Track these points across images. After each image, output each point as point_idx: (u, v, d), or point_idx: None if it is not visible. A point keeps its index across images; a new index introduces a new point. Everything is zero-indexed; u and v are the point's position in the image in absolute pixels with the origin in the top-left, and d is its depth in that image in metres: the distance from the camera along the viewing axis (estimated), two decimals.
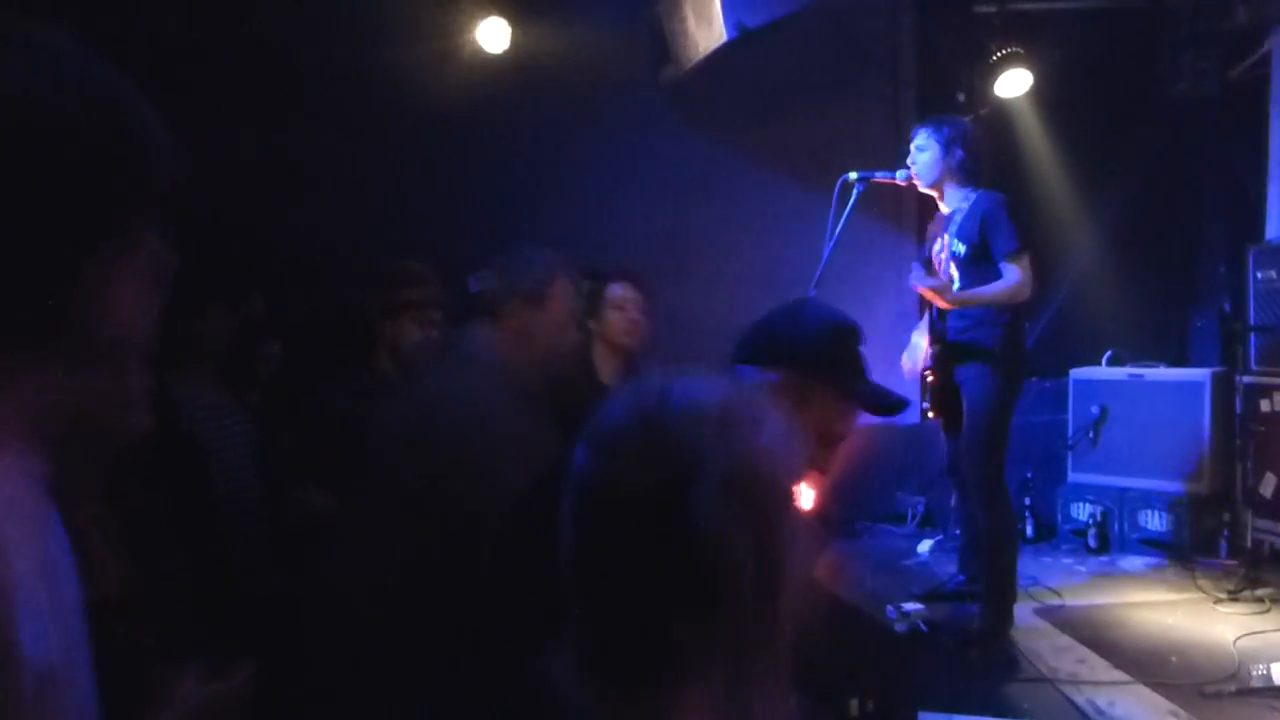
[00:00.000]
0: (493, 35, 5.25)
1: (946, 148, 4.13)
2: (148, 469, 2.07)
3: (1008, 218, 4.02)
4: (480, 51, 5.29)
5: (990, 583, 4.19)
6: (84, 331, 0.80)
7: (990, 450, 4.14)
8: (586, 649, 0.95)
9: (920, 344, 4.33)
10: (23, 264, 0.76)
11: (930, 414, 4.32)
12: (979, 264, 4.09)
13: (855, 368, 1.92)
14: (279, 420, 3.84)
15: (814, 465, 1.85)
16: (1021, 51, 5.21)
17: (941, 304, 4.06)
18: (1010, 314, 4.11)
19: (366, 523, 2.34)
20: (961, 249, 4.11)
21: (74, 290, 0.79)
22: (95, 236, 0.81)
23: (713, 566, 0.88)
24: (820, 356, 1.86)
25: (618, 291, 3.86)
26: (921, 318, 4.27)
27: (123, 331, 0.84)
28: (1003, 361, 4.09)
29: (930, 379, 4.23)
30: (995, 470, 4.19)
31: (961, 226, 4.13)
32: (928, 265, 4.04)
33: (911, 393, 4.37)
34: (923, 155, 4.17)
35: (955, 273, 4.14)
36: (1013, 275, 3.99)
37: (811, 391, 1.80)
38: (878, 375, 4.88)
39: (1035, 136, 5.83)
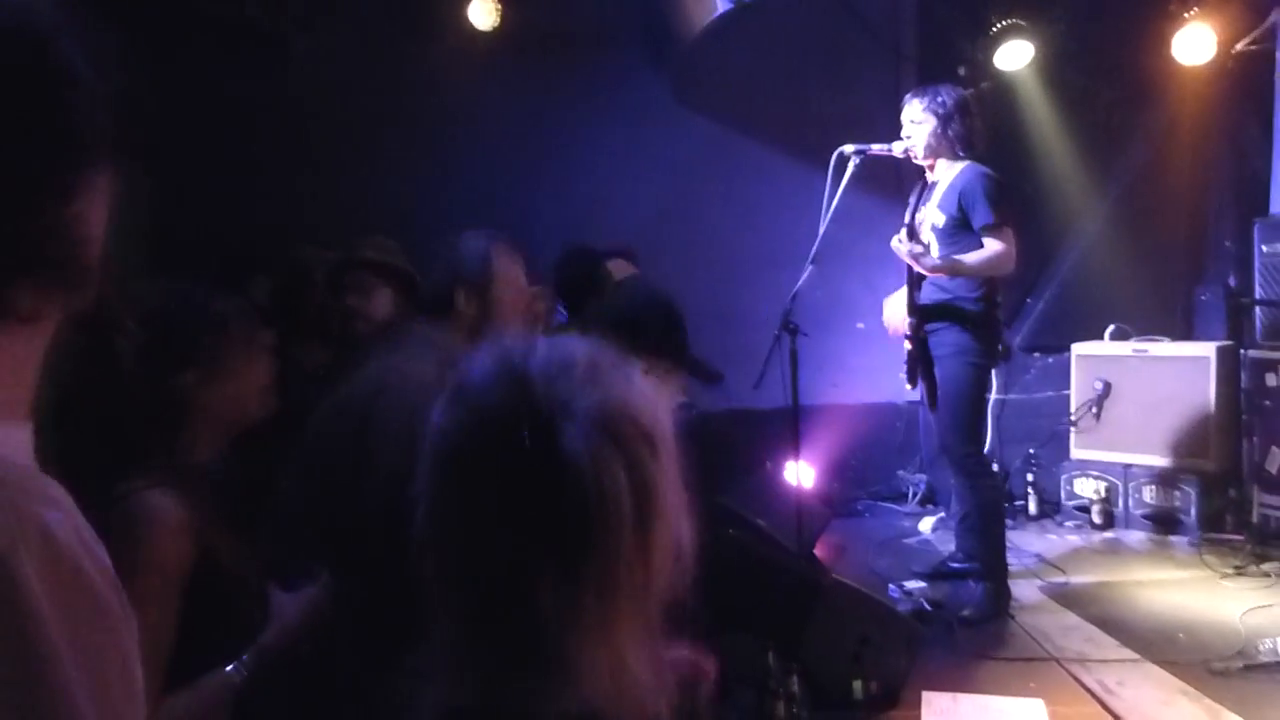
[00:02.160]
0: (482, 12, 5.17)
1: (944, 121, 4.09)
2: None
3: (987, 191, 3.98)
4: (470, 29, 5.22)
5: (984, 559, 4.17)
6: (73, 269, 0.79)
7: (968, 426, 4.13)
8: (456, 633, 0.90)
9: (897, 304, 4.29)
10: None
11: (908, 385, 4.29)
12: (957, 236, 4.07)
13: (683, 341, 2.16)
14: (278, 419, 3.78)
15: None
16: (1022, 23, 5.14)
17: (920, 269, 4.02)
18: (985, 289, 4.09)
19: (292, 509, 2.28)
20: (941, 220, 4.09)
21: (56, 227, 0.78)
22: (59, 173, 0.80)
23: (589, 502, 0.84)
24: (655, 333, 2.08)
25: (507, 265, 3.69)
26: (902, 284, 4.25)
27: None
28: (976, 336, 4.06)
29: (908, 348, 4.21)
30: (975, 446, 4.19)
31: (943, 198, 4.12)
32: (911, 231, 3.99)
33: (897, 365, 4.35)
34: (920, 129, 4.13)
35: (934, 243, 4.10)
36: (994, 247, 3.97)
37: (651, 365, 1.89)
38: (879, 350, 4.83)
39: (1037, 109, 5.76)
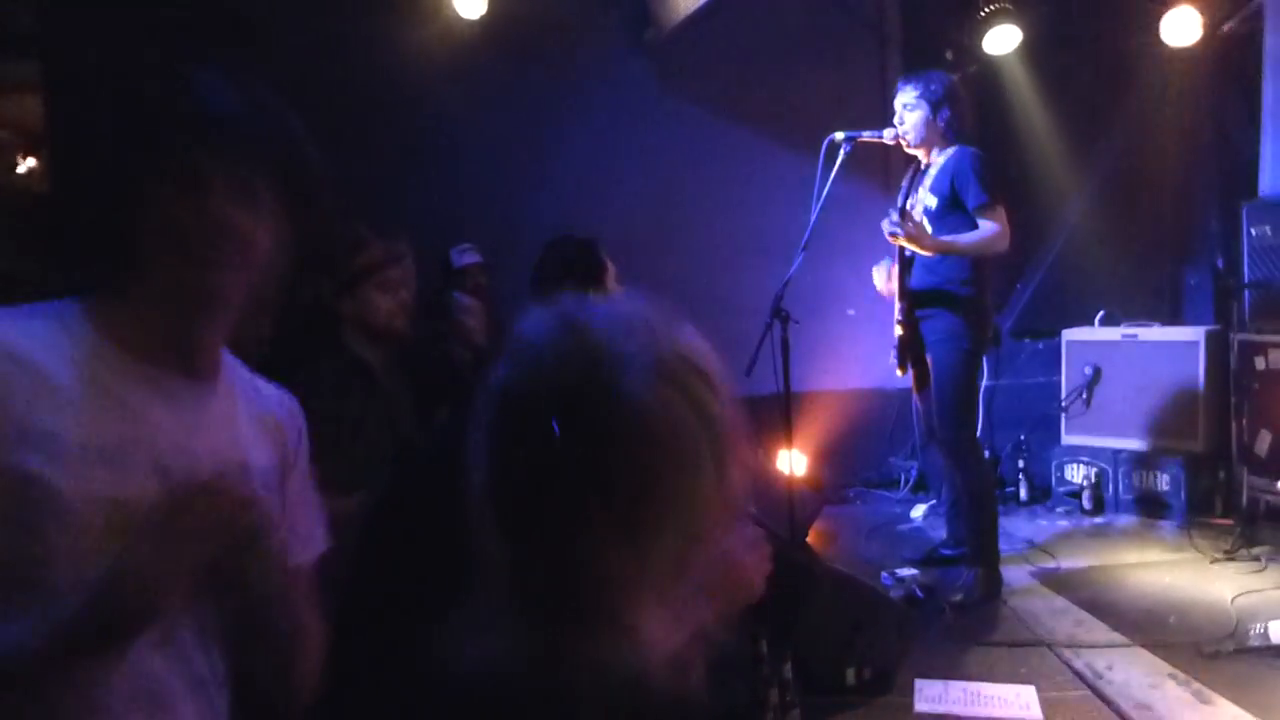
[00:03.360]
0: (469, 0, 5.13)
1: (935, 108, 4.10)
2: None
3: (979, 171, 4.00)
4: (456, 17, 5.18)
5: (975, 544, 4.18)
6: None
7: (960, 412, 4.14)
8: (515, 587, 0.88)
9: (889, 268, 4.30)
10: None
11: (898, 371, 4.29)
12: (950, 217, 4.07)
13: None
14: None
15: None
16: (1009, 7, 5.11)
17: (918, 249, 4.02)
18: (975, 274, 4.09)
19: None
20: (933, 202, 4.09)
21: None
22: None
23: (665, 441, 0.84)
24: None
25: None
26: (894, 263, 4.25)
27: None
28: (967, 322, 4.07)
29: (899, 333, 4.21)
30: (967, 431, 4.20)
31: (935, 181, 4.12)
32: (903, 216, 3.99)
33: (888, 351, 4.35)
34: (911, 115, 4.13)
35: (927, 226, 4.10)
36: (988, 227, 3.98)
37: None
38: (869, 337, 4.80)
39: (1025, 93, 5.76)
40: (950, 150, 4.11)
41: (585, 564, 0.85)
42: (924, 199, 4.15)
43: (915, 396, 4.48)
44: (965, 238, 4.01)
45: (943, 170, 4.10)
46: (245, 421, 1.32)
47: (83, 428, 1.11)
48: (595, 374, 0.84)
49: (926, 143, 4.16)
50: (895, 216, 3.99)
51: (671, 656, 0.90)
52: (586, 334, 0.87)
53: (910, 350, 4.22)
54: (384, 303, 2.93)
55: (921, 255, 4.10)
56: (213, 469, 1.14)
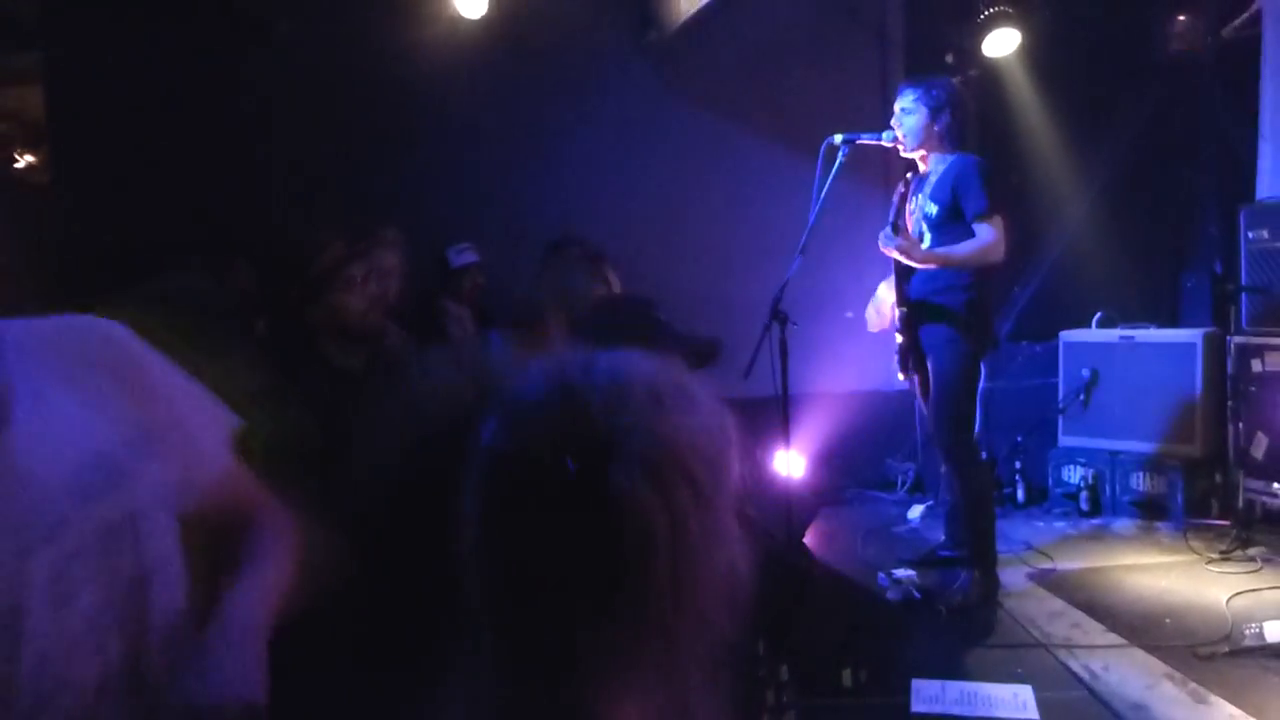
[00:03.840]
0: (471, 1, 5.14)
1: (934, 113, 4.10)
2: None
3: (980, 179, 4.00)
4: (458, 16, 5.19)
5: (973, 547, 4.19)
6: None
7: (958, 416, 4.15)
8: (498, 653, 0.86)
9: (887, 298, 4.31)
10: None
11: (900, 376, 4.31)
12: (950, 225, 4.08)
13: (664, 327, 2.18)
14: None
15: None
16: (1010, 10, 5.14)
17: (910, 262, 4.03)
18: (975, 279, 4.09)
19: None
20: (933, 210, 4.10)
21: None
22: None
23: (629, 546, 0.80)
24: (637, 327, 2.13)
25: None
26: (890, 276, 4.26)
27: None
28: (967, 326, 4.08)
29: (899, 340, 4.22)
30: (965, 435, 4.21)
31: (935, 188, 4.12)
32: (896, 228, 4.00)
33: (886, 353, 4.36)
34: (910, 119, 4.14)
35: (927, 233, 4.11)
36: (985, 235, 3.98)
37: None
38: (868, 339, 4.82)
39: (1025, 97, 5.77)
40: (951, 157, 4.11)
41: (558, 648, 0.83)
42: (924, 206, 4.15)
43: (919, 400, 4.49)
44: (959, 249, 4.00)
45: (944, 177, 4.10)
46: None
47: None
48: (582, 459, 0.80)
49: (924, 147, 4.16)
50: (889, 230, 3.99)
51: None
52: (583, 406, 0.83)
53: (912, 356, 4.23)
54: (354, 302, 2.79)
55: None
56: None
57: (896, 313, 4.21)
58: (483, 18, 5.21)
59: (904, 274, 4.17)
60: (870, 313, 4.42)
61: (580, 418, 0.82)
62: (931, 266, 4.07)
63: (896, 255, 4.02)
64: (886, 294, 4.34)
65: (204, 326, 1.66)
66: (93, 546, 0.99)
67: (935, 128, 4.11)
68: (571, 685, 0.84)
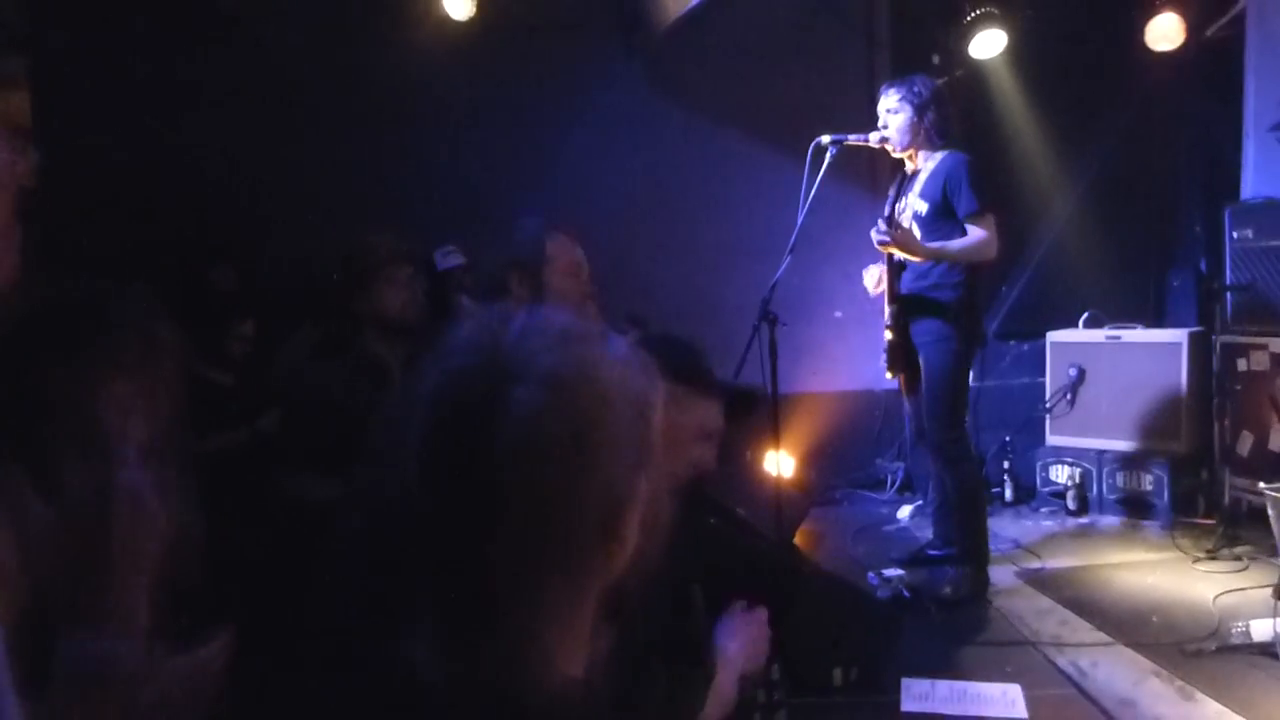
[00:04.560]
0: (458, 2, 5.13)
1: (920, 111, 4.13)
2: None
3: (971, 178, 4.03)
4: (445, 18, 5.18)
5: (963, 545, 4.22)
6: None
7: (950, 413, 4.17)
8: (437, 594, 0.90)
9: (880, 271, 4.31)
10: None
11: (888, 374, 4.32)
12: (940, 223, 4.10)
13: (708, 372, 2.10)
14: (258, 404, 3.76)
15: (701, 466, 1.98)
16: (996, 11, 5.15)
17: (905, 255, 4.05)
18: (966, 277, 4.12)
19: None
20: (924, 207, 4.12)
21: None
22: None
23: (525, 461, 0.84)
24: (683, 366, 2.01)
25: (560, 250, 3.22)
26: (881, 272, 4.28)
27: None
28: (958, 324, 4.10)
29: (889, 337, 4.23)
30: (957, 432, 4.23)
31: (925, 186, 4.14)
32: (891, 223, 4.02)
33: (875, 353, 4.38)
34: (896, 118, 4.16)
35: (917, 231, 4.13)
36: (978, 233, 4.02)
37: (684, 398, 1.93)
38: (857, 339, 4.79)
39: (1010, 97, 5.79)
40: (940, 155, 4.13)
41: (492, 578, 0.86)
42: (914, 204, 4.17)
43: (905, 399, 4.51)
44: (955, 244, 4.04)
45: (933, 175, 4.12)
46: None
47: None
48: (492, 387, 0.86)
49: (912, 146, 4.19)
50: (883, 225, 4.01)
51: (584, 673, 0.91)
52: (496, 347, 0.89)
53: (901, 353, 4.25)
54: (395, 296, 3.05)
55: (911, 260, 4.13)
56: None
57: (887, 309, 4.23)
58: (470, 18, 5.20)
59: (895, 271, 4.18)
60: (867, 278, 4.40)
61: (493, 353, 0.88)
62: (921, 262, 4.09)
63: (893, 249, 4.04)
64: (879, 269, 4.35)
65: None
66: None
67: (922, 125, 4.14)
68: (499, 607, 0.87)
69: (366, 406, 2.59)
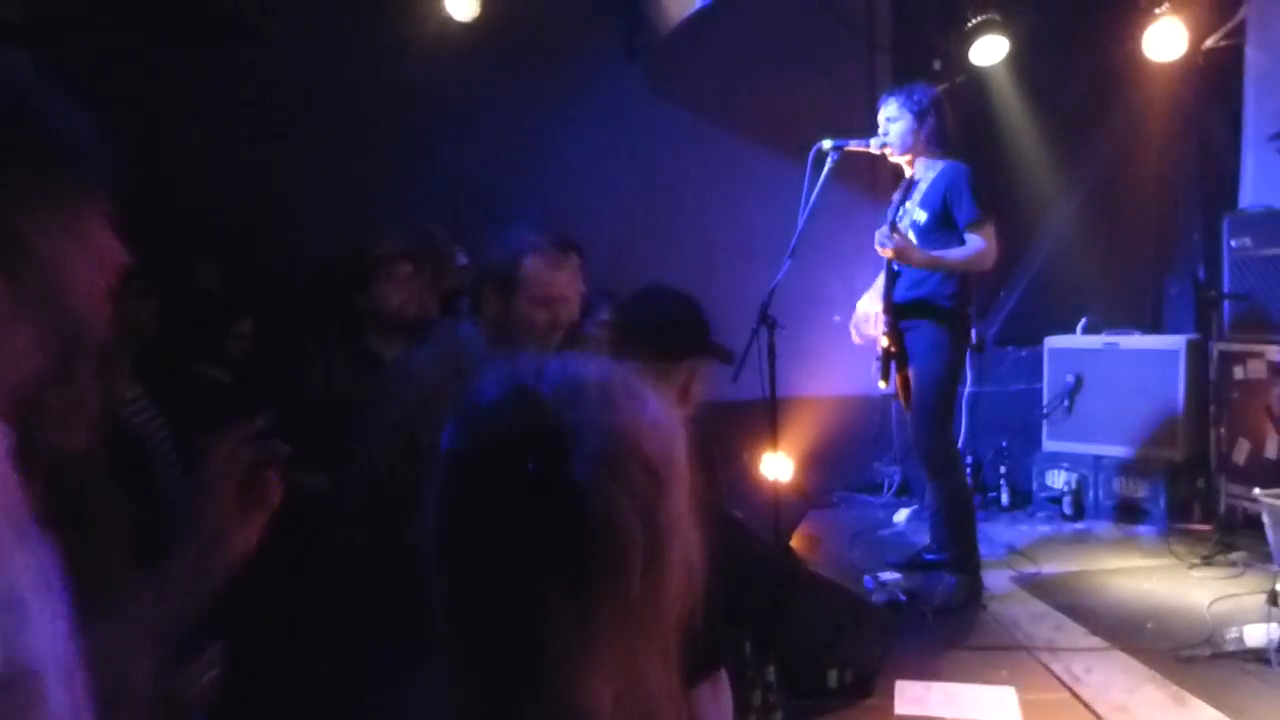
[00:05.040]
0: (461, 3, 5.15)
1: (919, 118, 4.15)
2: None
3: (971, 187, 4.06)
4: (449, 19, 5.20)
5: (955, 552, 4.24)
6: (33, 302, 0.87)
7: (941, 422, 4.20)
8: (458, 657, 0.88)
9: (869, 310, 4.34)
10: None
11: (881, 383, 4.33)
12: (939, 232, 4.13)
13: (703, 333, 2.25)
14: (257, 401, 3.77)
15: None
16: (997, 18, 5.17)
17: (905, 263, 4.06)
18: (960, 287, 4.15)
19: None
20: (923, 216, 4.14)
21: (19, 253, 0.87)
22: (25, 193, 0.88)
23: (598, 534, 0.82)
24: (677, 337, 2.18)
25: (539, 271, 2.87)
26: (874, 287, 4.30)
27: (73, 315, 0.91)
28: (950, 333, 4.13)
29: (884, 345, 4.25)
30: (945, 440, 4.26)
31: (926, 195, 4.17)
32: (894, 227, 4.05)
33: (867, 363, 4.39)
34: (895, 125, 4.19)
35: (914, 240, 4.14)
36: (977, 243, 4.04)
37: (670, 368, 2.08)
38: (854, 346, 4.80)
39: (1011, 104, 5.81)
40: (941, 165, 4.16)
41: (531, 638, 0.85)
42: (913, 213, 4.19)
43: (901, 405, 4.53)
44: (954, 253, 4.06)
45: (934, 185, 4.14)
46: None
47: None
48: (541, 454, 0.83)
49: (910, 152, 4.21)
50: (887, 230, 4.03)
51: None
52: (538, 407, 0.86)
53: (895, 361, 4.27)
54: (394, 293, 3.05)
55: (908, 269, 4.14)
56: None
57: (881, 319, 4.25)
58: (474, 19, 5.21)
59: (891, 279, 4.21)
60: (852, 329, 4.46)
61: (535, 416, 0.85)
62: (919, 271, 4.11)
63: (892, 255, 4.05)
64: (868, 306, 4.37)
65: None
66: None
67: (921, 132, 4.16)
68: (545, 677, 0.85)
69: (361, 402, 2.60)
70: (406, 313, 3.09)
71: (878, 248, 4.07)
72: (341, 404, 2.70)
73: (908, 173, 4.27)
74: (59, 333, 0.89)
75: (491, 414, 0.87)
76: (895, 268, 4.17)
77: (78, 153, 0.96)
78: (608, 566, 0.83)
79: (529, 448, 0.83)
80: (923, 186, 4.19)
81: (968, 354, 4.35)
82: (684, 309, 2.27)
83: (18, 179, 0.87)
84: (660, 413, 0.91)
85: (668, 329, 2.16)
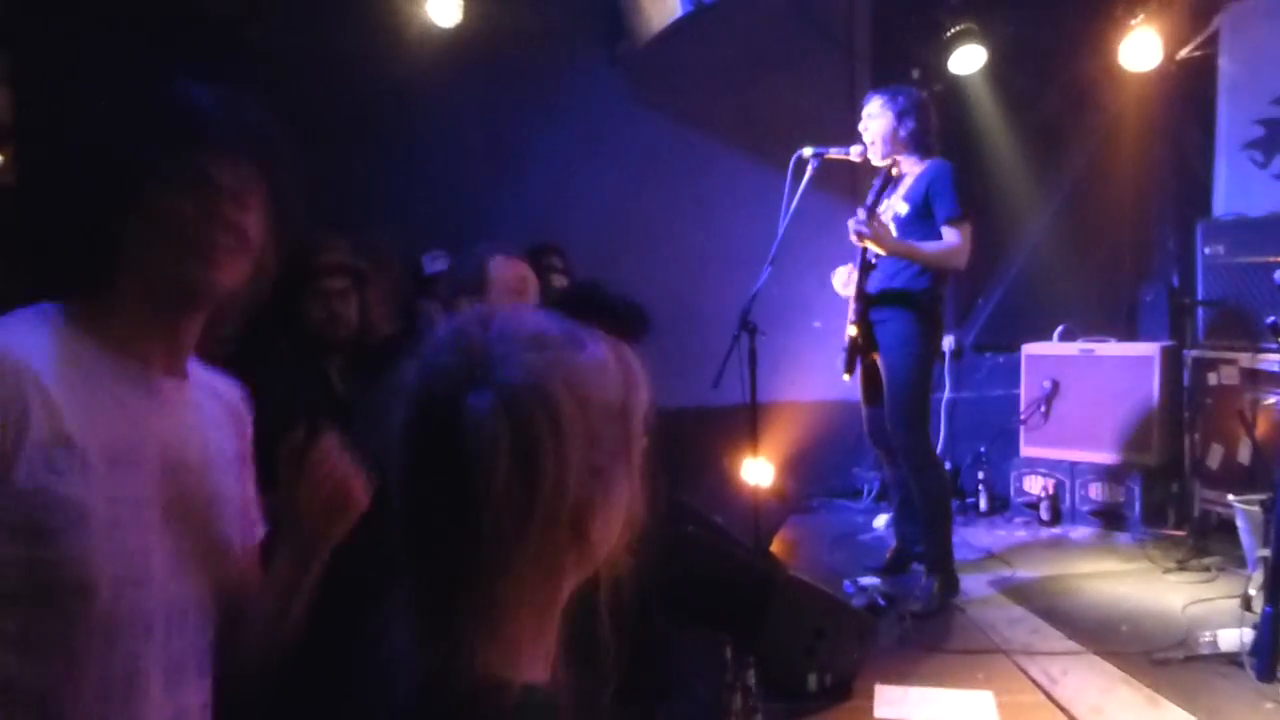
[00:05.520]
0: (444, 9, 5.15)
1: (899, 118, 4.20)
2: None
3: (953, 184, 4.10)
4: (431, 26, 5.20)
5: (931, 550, 4.26)
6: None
7: (914, 417, 4.21)
8: (416, 591, 0.93)
9: (850, 270, 4.33)
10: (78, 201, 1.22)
11: (845, 375, 4.34)
12: (918, 225, 4.16)
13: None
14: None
15: None
16: (975, 28, 5.23)
17: (878, 249, 4.09)
18: (933, 284, 4.18)
19: None
20: (904, 209, 4.18)
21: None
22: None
23: (472, 471, 0.86)
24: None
25: (501, 269, 3.11)
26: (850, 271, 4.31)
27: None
28: (922, 329, 4.15)
29: (851, 333, 4.26)
30: (920, 437, 4.26)
31: (910, 189, 4.22)
32: (871, 216, 4.06)
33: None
34: (875, 122, 4.24)
35: (894, 230, 4.18)
36: (952, 238, 4.07)
37: None
38: (835, 349, 4.80)
39: (988, 112, 5.87)
40: (926, 162, 4.20)
41: (463, 571, 0.90)
42: (896, 205, 4.24)
43: (863, 406, 4.53)
44: (927, 246, 4.09)
45: (919, 180, 4.18)
46: (216, 412, 1.40)
47: (96, 436, 1.16)
48: (456, 385, 0.89)
49: (891, 152, 4.24)
50: (863, 215, 4.05)
51: (548, 675, 0.95)
52: (469, 346, 0.91)
53: (860, 355, 4.28)
54: (316, 311, 2.83)
55: (883, 260, 4.17)
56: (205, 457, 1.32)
57: (851, 306, 4.26)
58: (455, 26, 5.22)
59: (865, 269, 4.22)
60: (835, 281, 4.43)
61: (464, 353, 0.91)
62: (894, 263, 4.14)
63: (867, 242, 4.07)
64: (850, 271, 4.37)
65: None
66: None
67: (901, 132, 4.20)
68: (465, 585, 0.90)
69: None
70: (330, 333, 2.85)
71: (852, 235, 4.08)
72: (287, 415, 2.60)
73: (893, 172, 4.28)
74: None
75: (433, 348, 0.94)
76: (870, 259, 4.19)
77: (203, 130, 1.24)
78: (480, 502, 0.87)
79: (448, 381, 0.89)
80: (908, 181, 4.24)
81: (944, 355, 4.35)
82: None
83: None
84: (601, 358, 0.95)
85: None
